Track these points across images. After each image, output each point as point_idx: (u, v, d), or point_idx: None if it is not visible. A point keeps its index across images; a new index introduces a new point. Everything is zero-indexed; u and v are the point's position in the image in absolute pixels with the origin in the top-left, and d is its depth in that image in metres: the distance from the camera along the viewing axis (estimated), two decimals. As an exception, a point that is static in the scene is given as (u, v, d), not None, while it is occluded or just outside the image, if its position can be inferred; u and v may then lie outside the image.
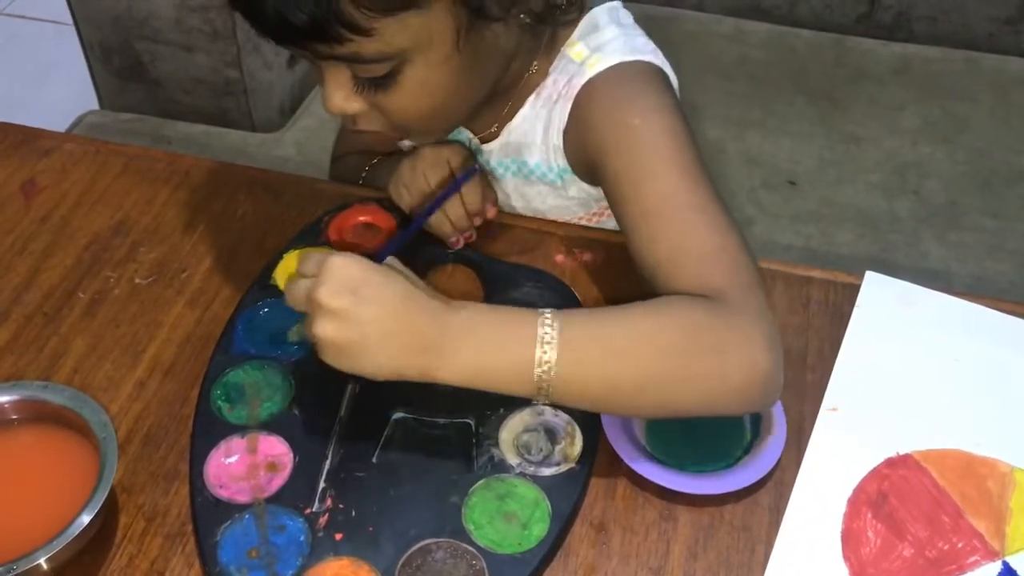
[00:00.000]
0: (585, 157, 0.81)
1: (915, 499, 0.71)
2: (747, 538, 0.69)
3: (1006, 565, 0.67)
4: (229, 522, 0.68)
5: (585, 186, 0.87)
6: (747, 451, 0.73)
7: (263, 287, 0.83)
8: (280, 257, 0.85)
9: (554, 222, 0.93)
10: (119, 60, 1.81)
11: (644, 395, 0.67)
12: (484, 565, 0.66)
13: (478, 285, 0.85)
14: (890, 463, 0.73)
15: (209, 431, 0.73)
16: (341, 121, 0.87)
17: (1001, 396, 0.77)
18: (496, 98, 0.84)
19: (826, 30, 1.96)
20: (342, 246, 0.86)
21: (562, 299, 0.83)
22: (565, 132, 0.83)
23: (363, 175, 0.96)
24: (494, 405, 0.74)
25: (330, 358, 0.64)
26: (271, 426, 0.73)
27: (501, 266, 0.86)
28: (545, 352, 0.64)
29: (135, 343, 0.80)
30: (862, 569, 0.67)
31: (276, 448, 0.72)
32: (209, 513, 0.68)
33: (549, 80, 0.83)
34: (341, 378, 0.75)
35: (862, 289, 0.84)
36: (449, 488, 0.70)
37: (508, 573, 0.65)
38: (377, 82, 0.71)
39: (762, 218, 1.69)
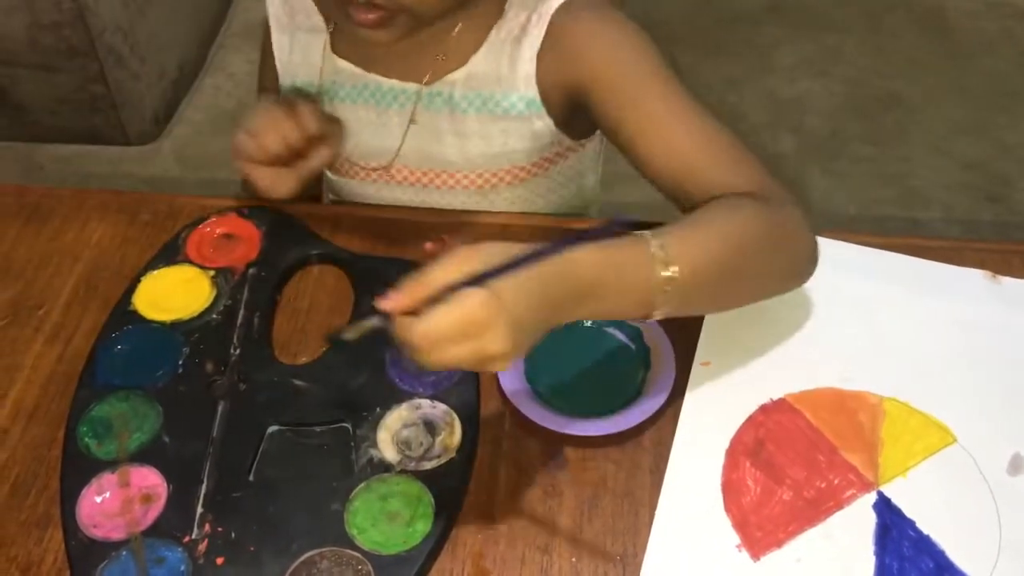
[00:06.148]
0: (568, 79, 0.83)
1: (791, 442, 0.72)
2: (630, 503, 0.69)
3: (880, 494, 0.69)
4: (106, 562, 0.66)
5: (548, 122, 0.87)
6: (638, 391, 0.74)
7: (123, 314, 0.80)
8: (139, 281, 0.82)
9: (416, 209, 0.92)
10: (-25, 88, 1.75)
11: (739, 294, 0.73)
12: (370, 569, 0.65)
13: (347, 283, 0.84)
14: (764, 410, 0.74)
15: (78, 471, 0.71)
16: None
17: (867, 329, 0.79)
18: (460, 25, 0.84)
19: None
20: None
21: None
22: (539, 58, 0.84)
23: None
24: (369, 405, 0.74)
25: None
26: (142, 457, 0.71)
27: (369, 261, 0.85)
28: (668, 272, 0.65)
29: (-5, 389, 0.77)
30: (744, 518, 0.68)
31: (149, 479, 0.70)
32: (84, 555, 0.66)
33: (509, 15, 0.84)
34: (209, 398, 0.74)
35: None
36: (330, 496, 0.69)
37: (396, 573, 0.65)
38: None
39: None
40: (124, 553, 0.66)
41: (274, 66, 0.94)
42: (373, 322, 0.61)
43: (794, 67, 2.03)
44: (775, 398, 0.74)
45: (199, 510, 0.68)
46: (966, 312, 0.79)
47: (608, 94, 0.80)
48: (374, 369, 0.76)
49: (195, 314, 0.80)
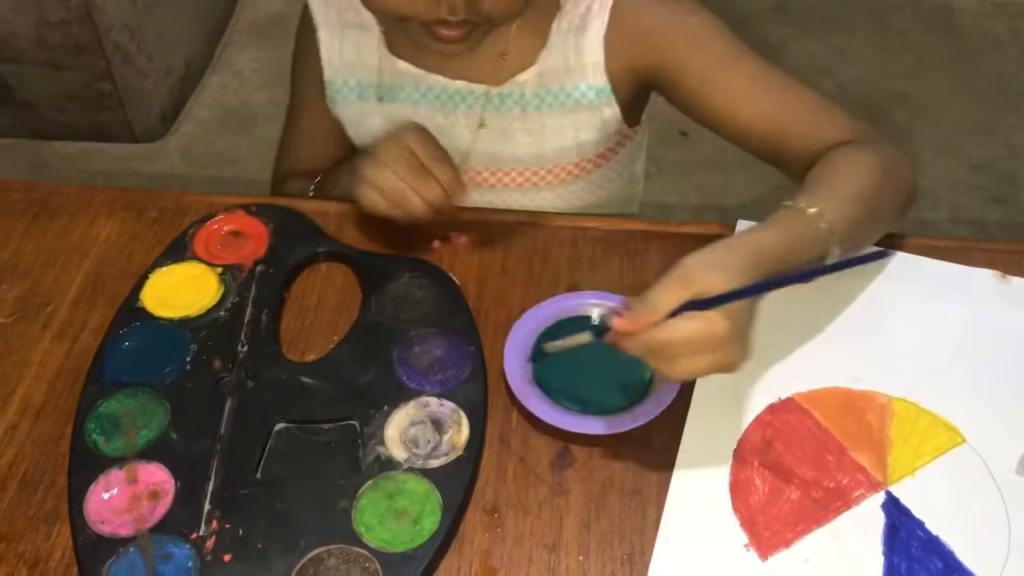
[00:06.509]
0: (641, 64, 0.86)
1: (799, 442, 0.72)
2: (638, 502, 0.69)
3: (889, 494, 0.69)
4: (114, 558, 0.66)
5: (616, 109, 0.89)
6: (646, 390, 0.74)
7: (131, 310, 0.80)
8: (147, 278, 0.82)
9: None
10: (-18, 85, 1.75)
11: (874, 236, 0.79)
12: (378, 566, 0.65)
13: (355, 281, 0.84)
14: (772, 409, 0.74)
15: (86, 467, 0.71)
16: (279, 149, 0.99)
17: (876, 329, 0.78)
18: (516, 23, 0.85)
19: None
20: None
21: (441, 287, 0.82)
22: (607, 44, 0.85)
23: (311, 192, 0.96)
24: (377, 403, 0.73)
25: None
26: (150, 453, 0.71)
27: (377, 259, 0.85)
28: (836, 240, 0.71)
29: (3, 385, 0.77)
30: (751, 518, 0.68)
31: (156, 475, 0.70)
32: (92, 551, 0.66)
33: (567, 7, 0.86)
34: (217, 395, 0.74)
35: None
36: (337, 493, 0.69)
37: (403, 571, 0.65)
38: None
39: (657, 172, 1.70)
40: (132, 549, 0.66)
41: (317, 66, 0.93)
42: (584, 337, 0.69)
43: (801, 67, 2.02)
44: (783, 397, 0.74)
45: (207, 507, 0.68)
46: (975, 312, 0.79)
47: (694, 79, 0.83)
48: (382, 367, 0.76)
49: (203, 311, 0.80)
